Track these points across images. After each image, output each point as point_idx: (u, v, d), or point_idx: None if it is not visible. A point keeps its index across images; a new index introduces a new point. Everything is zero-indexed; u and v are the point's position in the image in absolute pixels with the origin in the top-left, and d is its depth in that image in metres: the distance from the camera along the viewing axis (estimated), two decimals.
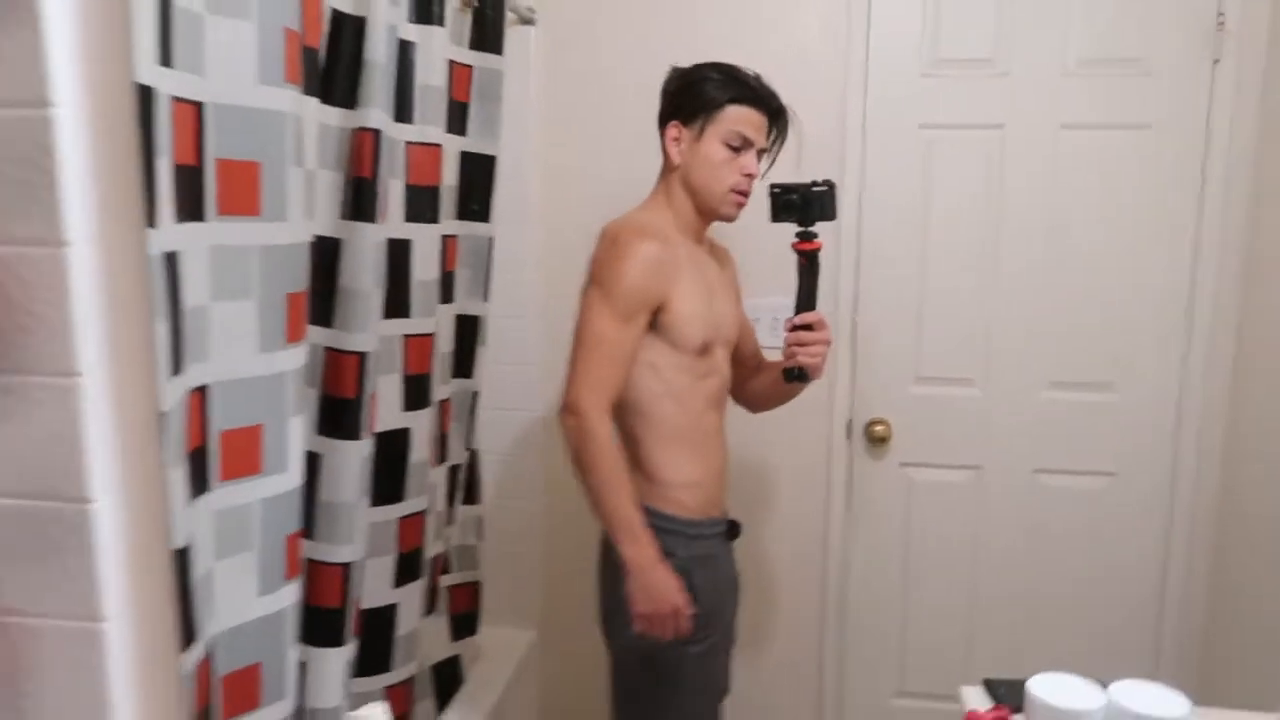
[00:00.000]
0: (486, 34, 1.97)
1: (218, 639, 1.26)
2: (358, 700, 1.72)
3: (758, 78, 1.68)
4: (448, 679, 2.17)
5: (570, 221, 2.33)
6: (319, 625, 1.54)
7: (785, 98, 1.73)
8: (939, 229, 2.25)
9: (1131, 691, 1.10)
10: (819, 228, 1.66)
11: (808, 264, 1.68)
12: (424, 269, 1.76)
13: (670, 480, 1.67)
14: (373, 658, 1.77)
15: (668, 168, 1.70)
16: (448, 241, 1.89)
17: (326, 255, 1.51)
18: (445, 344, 1.97)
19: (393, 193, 1.64)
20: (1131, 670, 2.25)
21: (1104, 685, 1.16)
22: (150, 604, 1.07)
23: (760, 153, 1.69)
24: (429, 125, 1.72)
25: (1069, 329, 2.24)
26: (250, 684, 1.33)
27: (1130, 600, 2.31)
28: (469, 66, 1.94)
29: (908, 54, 2.21)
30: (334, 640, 1.54)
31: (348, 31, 1.46)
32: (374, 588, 1.74)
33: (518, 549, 2.45)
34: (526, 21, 2.23)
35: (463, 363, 2.07)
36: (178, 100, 1.07)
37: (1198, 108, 2.14)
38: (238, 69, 1.15)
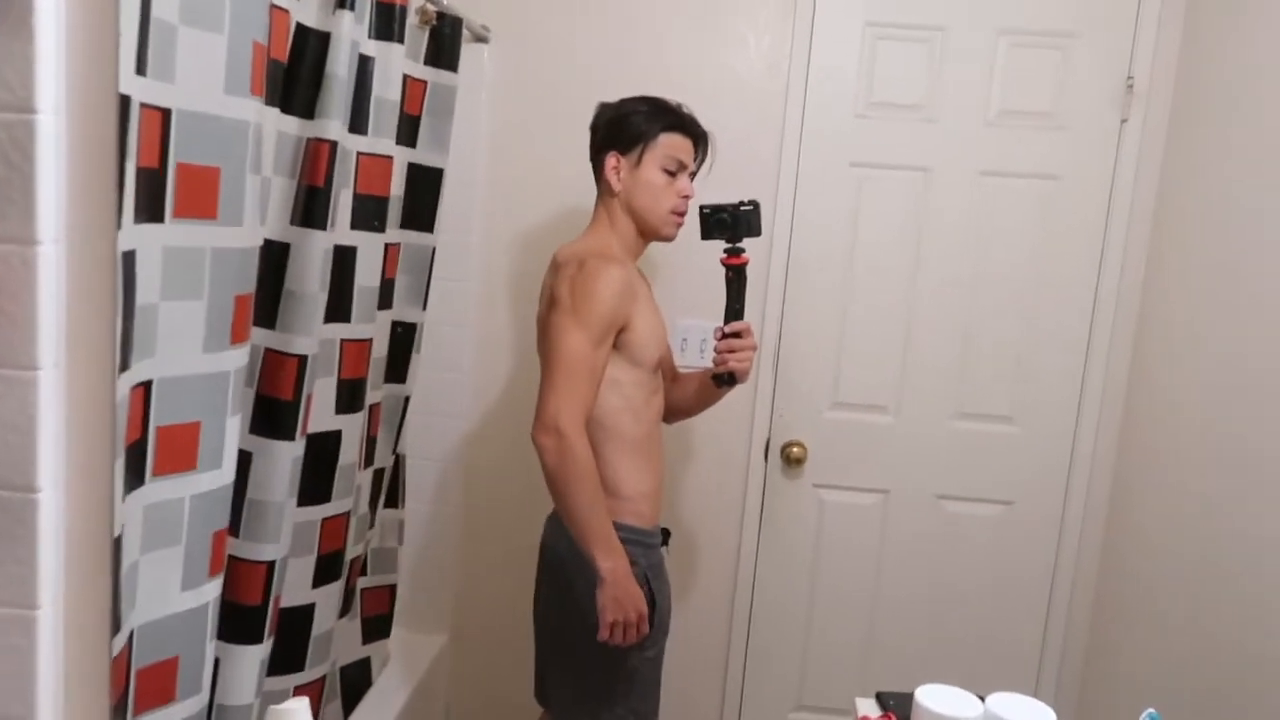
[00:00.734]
0: (442, 51, 2.01)
1: (138, 631, 1.28)
2: (269, 699, 1.73)
3: (680, 106, 1.80)
4: (356, 681, 2.18)
5: (511, 234, 2.38)
6: (238, 622, 1.55)
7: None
8: (863, 263, 2.37)
9: (1006, 703, 1.21)
10: (746, 244, 1.78)
11: (735, 277, 1.80)
12: (367, 276, 1.79)
13: (630, 493, 1.75)
14: (288, 656, 1.79)
15: (607, 195, 1.79)
16: (390, 249, 1.93)
17: (274, 259, 1.54)
18: (380, 349, 2.00)
19: (342, 200, 1.67)
20: (1017, 684, 2.43)
21: (984, 698, 1.27)
22: (85, 593, 1.09)
23: (691, 175, 1.81)
24: (381, 137, 1.76)
25: (977, 364, 2.38)
26: (167, 677, 1.34)
27: (1020, 621, 2.45)
28: (423, 81, 1.98)
29: (844, 94, 2.32)
30: (252, 638, 1.56)
31: (312, 45, 1.50)
32: (293, 587, 1.76)
33: (433, 553, 2.48)
34: (481, 39, 2.27)
35: (396, 368, 2.10)
36: (146, 106, 1.10)
37: (1104, 163, 2.30)
38: (206, 78, 1.18)
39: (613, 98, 1.82)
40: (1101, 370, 2.35)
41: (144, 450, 1.24)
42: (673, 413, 1.97)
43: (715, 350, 1.82)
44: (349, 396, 1.80)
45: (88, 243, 1.01)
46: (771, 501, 2.46)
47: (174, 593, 1.32)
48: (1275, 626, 1.71)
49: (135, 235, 1.12)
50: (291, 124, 1.52)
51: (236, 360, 1.34)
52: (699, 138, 1.82)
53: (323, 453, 1.76)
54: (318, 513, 1.79)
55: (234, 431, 1.36)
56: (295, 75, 1.50)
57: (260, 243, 1.40)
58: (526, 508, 2.26)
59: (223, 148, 1.23)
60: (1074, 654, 2.43)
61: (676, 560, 2.44)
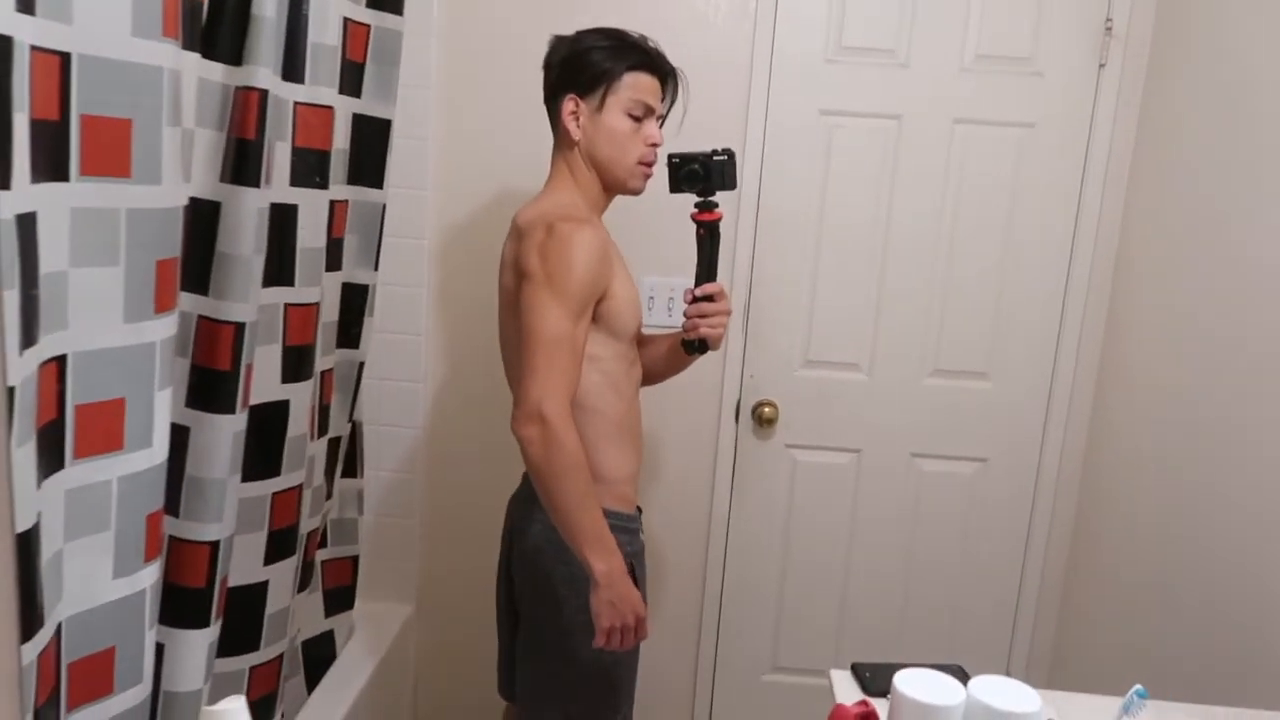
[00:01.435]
0: None
1: (66, 624, 1.19)
2: (221, 681, 1.66)
3: (644, 39, 1.63)
4: (320, 654, 2.12)
5: (467, 188, 2.28)
6: (181, 606, 1.47)
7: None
8: (834, 216, 2.29)
9: (990, 687, 1.15)
10: (719, 198, 1.66)
11: (708, 235, 1.67)
12: (310, 236, 1.69)
13: (615, 476, 1.64)
14: (240, 637, 1.71)
15: (565, 144, 1.64)
16: (336, 207, 1.82)
17: (204, 219, 1.43)
18: (330, 313, 1.90)
19: (279, 155, 1.56)
20: (991, 646, 2.42)
21: (964, 676, 1.22)
22: None
23: (660, 119, 1.66)
24: (320, 86, 1.64)
25: (951, 319, 2.32)
26: (103, 669, 1.26)
27: (994, 579, 2.43)
28: (366, 25, 1.85)
29: (814, 38, 2.22)
30: (197, 621, 1.48)
31: None
32: (243, 565, 1.67)
33: (396, 522, 2.40)
34: None
35: (348, 333, 2.00)
36: (39, 50, 0.99)
37: (1082, 110, 2.23)
38: (110, 19, 1.06)
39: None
40: (1077, 323, 2.30)
41: (61, 431, 1.14)
42: (644, 378, 1.88)
43: (685, 315, 1.70)
44: (296, 364, 1.70)
45: None
46: (743, 463, 2.40)
47: (105, 581, 1.24)
48: (1246, 582, 1.68)
49: (33, 196, 1.01)
50: (216, 71, 1.40)
51: (162, 330, 1.24)
52: (667, 76, 1.66)
53: (269, 424, 1.67)
54: (267, 487, 1.70)
55: (164, 406, 1.26)
56: (218, 17, 1.38)
57: (184, 202, 1.29)
58: (491, 472, 2.19)
59: (133, 97, 1.12)
60: (1047, 612, 2.42)
61: (647, 524, 2.38)
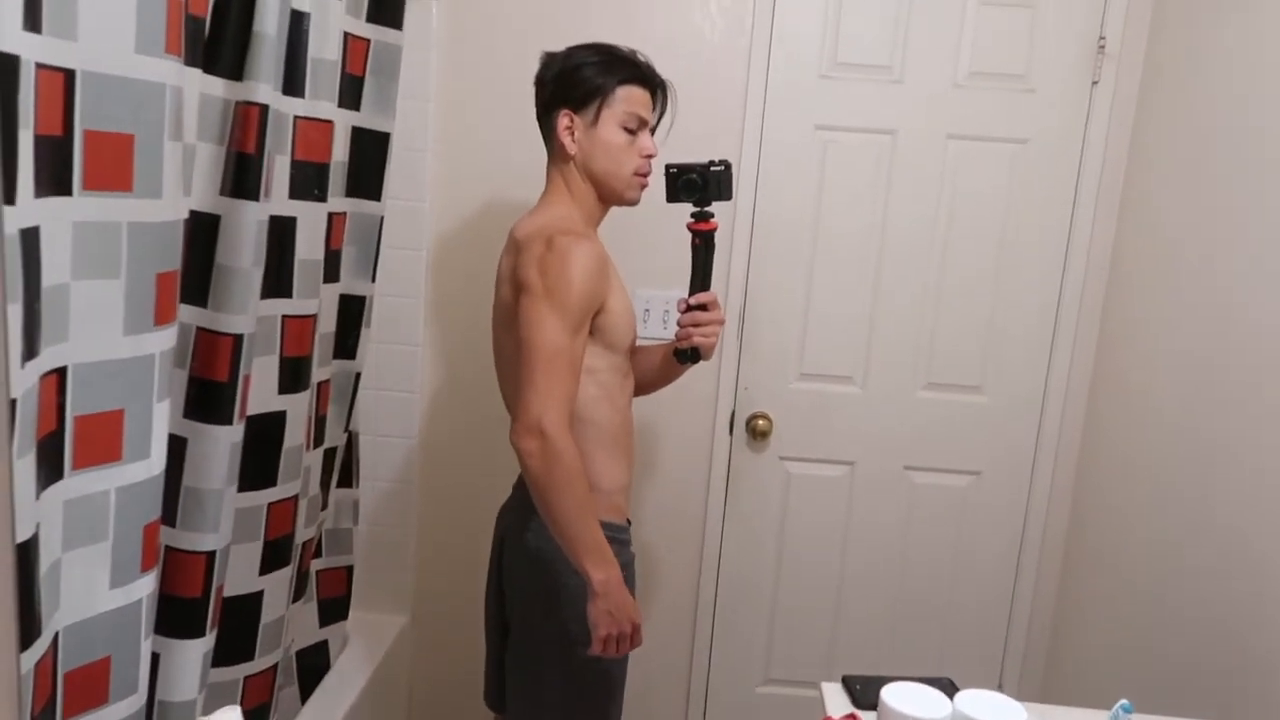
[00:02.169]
0: (385, 7, 1.90)
1: (63, 633, 1.20)
2: (216, 690, 1.67)
3: (635, 53, 1.65)
4: (314, 664, 2.12)
5: (464, 200, 2.29)
6: (177, 616, 1.48)
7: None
8: (828, 229, 2.30)
9: (975, 701, 1.17)
10: (714, 208, 1.68)
11: (703, 244, 1.69)
12: (308, 248, 1.70)
13: (608, 487, 1.65)
14: (235, 647, 1.71)
15: (560, 159, 1.65)
16: (334, 219, 1.83)
17: (203, 232, 1.44)
18: (327, 324, 1.91)
19: (278, 168, 1.57)
20: (983, 659, 2.43)
21: (952, 689, 1.23)
22: None
23: (652, 130, 1.68)
24: (320, 100, 1.66)
25: (944, 332, 2.34)
26: (98, 679, 1.27)
27: (987, 592, 2.44)
28: (365, 40, 1.87)
29: (809, 54, 2.24)
30: (192, 631, 1.49)
31: (236, 1, 1.39)
32: (239, 575, 1.68)
33: (391, 532, 2.41)
34: None
35: (345, 343, 2.01)
36: (44, 68, 1.00)
37: (1075, 126, 2.25)
38: (114, 37, 1.08)
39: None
40: (1070, 338, 2.32)
41: (61, 442, 1.15)
42: (636, 387, 1.89)
43: (678, 324, 1.72)
44: (292, 375, 1.71)
45: None
46: (737, 475, 2.41)
47: (102, 591, 1.24)
48: (1238, 595, 1.69)
49: (37, 210, 1.02)
50: (217, 86, 1.42)
51: (162, 342, 1.25)
52: (658, 88, 1.67)
53: (266, 435, 1.68)
54: (263, 497, 1.71)
55: (162, 418, 1.27)
56: (219, 33, 1.39)
57: (184, 215, 1.30)
58: (486, 483, 2.19)
59: (136, 113, 1.13)
60: (1040, 624, 2.43)
61: (641, 536, 2.40)
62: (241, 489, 1.61)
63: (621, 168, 1.63)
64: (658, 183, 1.68)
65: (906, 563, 2.43)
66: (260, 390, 1.64)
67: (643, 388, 1.86)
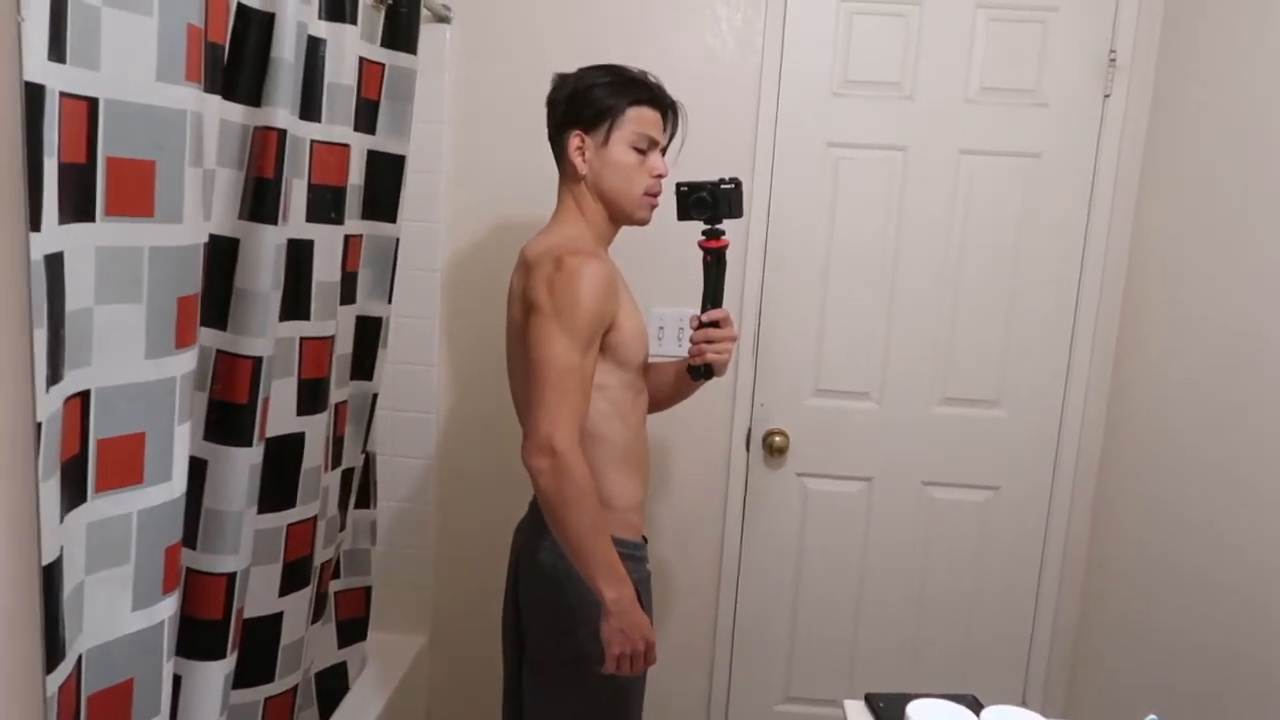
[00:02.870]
0: (400, 32, 1.93)
1: (87, 656, 1.21)
2: (237, 713, 1.67)
3: (645, 74, 1.66)
4: (333, 686, 2.12)
5: (479, 221, 2.31)
6: (198, 638, 1.48)
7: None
8: (842, 246, 2.31)
9: (1002, 717, 1.16)
10: (725, 225, 1.69)
11: (715, 261, 1.70)
12: (325, 270, 1.71)
13: (621, 504, 1.65)
14: (255, 668, 1.72)
15: (571, 179, 1.66)
16: (351, 241, 1.85)
17: (223, 256, 1.46)
18: (345, 346, 1.93)
19: (295, 192, 1.59)
20: (1006, 675, 2.40)
21: (977, 705, 1.22)
22: (13, 624, 1.01)
23: (662, 151, 1.69)
24: (336, 124, 1.68)
25: (961, 347, 2.33)
26: (121, 701, 1.27)
27: (1008, 607, 2.42)
28: (380, 64, 1.90)
29: (819, 72, 2.25)
30: (214, 653, 1.49)
31: (255, 28, 1.41)
32: (259, 596, 1.69)
33: (409, 553, 2.41)
34: (442, 19, 2.19)
35: (362, 365, 2.02)
36: (68, 96, 1.02)
37: (1087, 139, 2.25)
38: (135, 65, 1.09)
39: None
40: (1087, 350, 2.31)
41: (84, 465, 1.16)
42: (650, 404, 1.89)
43: (691, 341, 1.72)
44: (311, 397, 1.73)
45: (2, 245, 0.93)
46: (754, 492, 2.40)
47: (124, 613, 1.25)
48: (1264, 611, 1.67)
49: (61, 236, 1.04)
50: (236, 112, 1.44)
51: (183, 365, 1.26)
52: (668, 109, 1.69)
53: (284, 457, 1.69)
54: (282, 519, 1.71)
55: (183, 440, 1.28)
56: (238, 60, 1.41)
57: (204, 240, 1.32)
58: (503, 503, 2.19)
59: (157, 139, 1.14)
60: (1064, 639, 2.40)
61: (658, 551, 2.39)
62: (261, 510, 1.62)
63: (632, 187, 1.64)
64: (669, 201, 1.68)
65: (926, 579, 2.42)
66: (279, 412, 1.66)
67: (657, 404, 1.86)
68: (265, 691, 1.75)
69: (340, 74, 1.67)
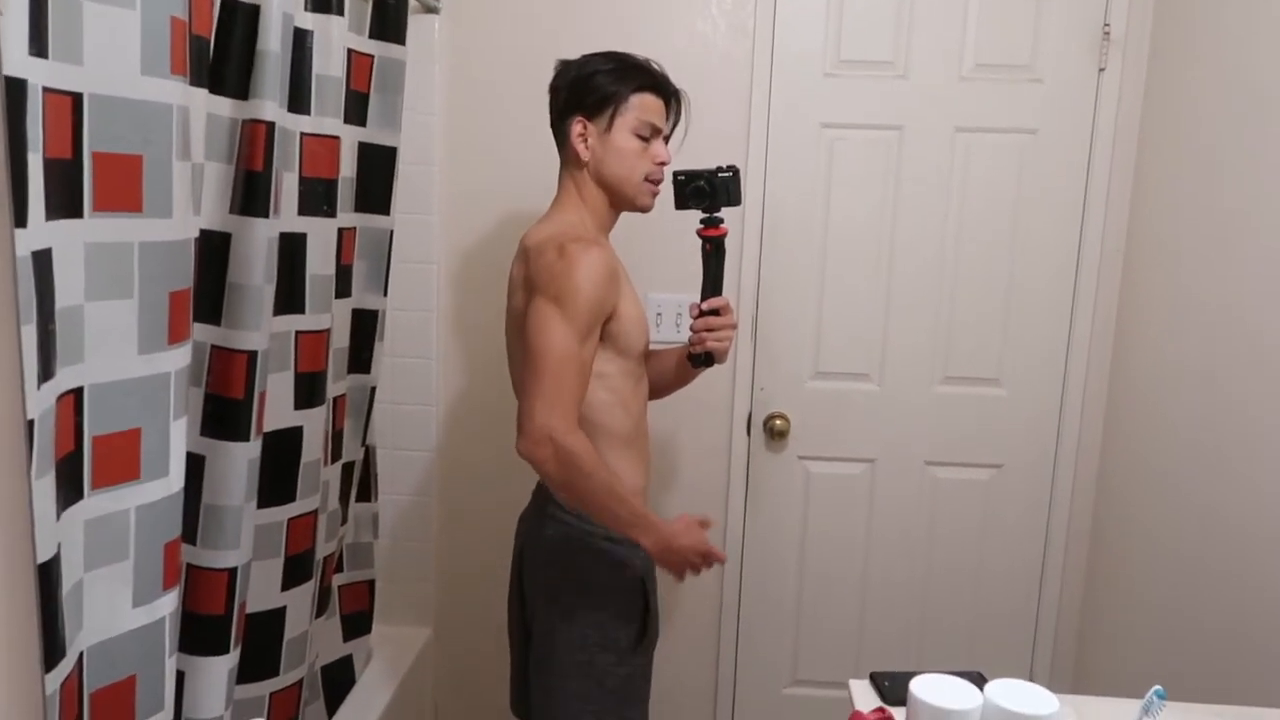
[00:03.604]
0: (388, 23, 1.92)
1: (88, 653, 1.21)
2: (241, 707, 1.67)
3: (649, 62, 1.66)
4: (339, 680, 2.13)
5: (474, 211, 2.30)
6: (201, 633, 1.49)
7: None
8: (838, 227, 2.30)
9: (1006, 691, 1.15)
10: (724, 213, 1.68)
11: (713, 250, 1.69)
12: (319, 263, 1.71)
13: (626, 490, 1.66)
14: (260, 663, 1.72)
15: (573, 165, 1.66)
16: (344, 234, 1.84)
17: (215, 250, 1.45)
18: (341, 339, 1.92)
19: (286, 185, 1.58)
20: (1012, 653, 2.40)
21: (982, 681, 1.22)
22: (9, 624, 1.01)
23: (665, 138, 1.69)
24: (326, 116, 1.67)
25: (960, 326, 2.32)
26: (124, 698, 1.27)
27: (1013, 585, 2.42)
28: (369, 56, 1.89)
29: (812, 53, 2.24)
30: (217, 648, 1.49)
31: (240, 20, 1.40)
32: (261, 591, 1.69)
33: (412, 545, 2.41)
34: (430, 10, 2.18)
35: (359, 358, 2.02)
36: (51, 91, 1.01)
37: (1083, 114, 2.23)
38: (119, 59, 1.09)
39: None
40: (1087, 325, 2.30)
41: (79, 462, 1.16)
42: (651, 391, 1.89)
43: (692, 329, 1.72)
44: (308, 391, 1.72)
45: None
46: (756, 476, 2.40)
47: (125, 610, 1.25)
48: (1270, 582, 1.67)
49: (49, 232, 1.03)
50: (224, 105, 1.43)
51: (176, 361, 1.26)
52: (671, 96, 1.68)
53: (283, 451, 1.69)
54: (282, 513, 1.71)
55: (180, 436, 1.28)
56: (224, 53, 1.41)
57: (194, 234, 1.31)
58: (505, 493, 2.19)
59: (143, 134, 1.14)
60: (1069, 616, 2.40)
61: None
62: (261, 505, 1.62)
63: (634, 174, 1.63)
64: (669, 188, 1.68)
65: (931, 559, 2.42)
66: (276, 406, 1.65)
67: (658, 391, 1.86)
68: (270, 686, 1.75)
69: (328, 66, 1.66)
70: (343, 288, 1.88)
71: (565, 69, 1.66)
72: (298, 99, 1.58)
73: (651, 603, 1.67)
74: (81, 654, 1.19)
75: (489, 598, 2.36)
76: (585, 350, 1.52)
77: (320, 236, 1.70)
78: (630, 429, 1.67)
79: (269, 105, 1.45)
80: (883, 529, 2.41)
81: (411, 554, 2.42)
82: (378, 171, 1.97)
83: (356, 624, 2.19)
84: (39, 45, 0.99)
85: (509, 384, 1.75)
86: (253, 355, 1.48)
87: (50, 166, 1.02)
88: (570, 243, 1.54)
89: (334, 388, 1.87)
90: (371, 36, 1.89)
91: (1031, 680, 2.45)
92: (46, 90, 1.01)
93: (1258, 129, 1.77)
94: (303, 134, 1.62)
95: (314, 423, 1.74)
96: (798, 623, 2.46)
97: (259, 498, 1.59)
